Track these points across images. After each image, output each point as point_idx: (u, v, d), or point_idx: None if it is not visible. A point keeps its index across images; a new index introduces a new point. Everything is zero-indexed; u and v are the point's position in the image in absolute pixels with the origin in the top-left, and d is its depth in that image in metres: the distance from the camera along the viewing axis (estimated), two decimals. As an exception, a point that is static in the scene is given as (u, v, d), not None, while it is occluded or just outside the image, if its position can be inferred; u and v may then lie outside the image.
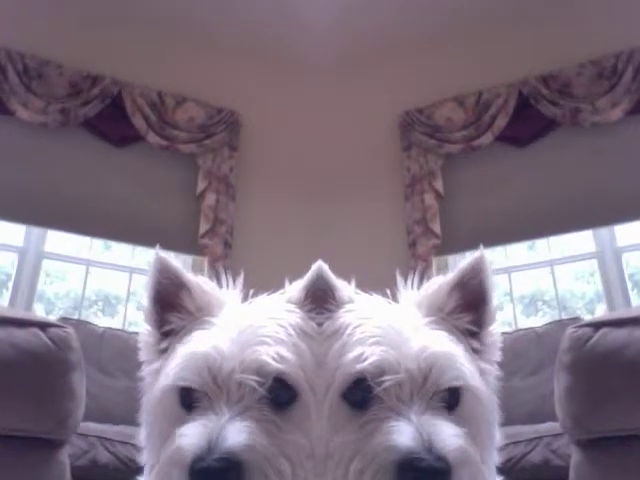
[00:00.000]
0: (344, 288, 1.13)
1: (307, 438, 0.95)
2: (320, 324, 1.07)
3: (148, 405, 1.05)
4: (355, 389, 0.95)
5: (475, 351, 1.08)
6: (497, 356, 1.12)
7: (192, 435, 0.88)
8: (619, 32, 4.60)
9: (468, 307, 1.09)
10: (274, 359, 0.94)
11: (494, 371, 1.11)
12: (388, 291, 1.16)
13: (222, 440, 0.85)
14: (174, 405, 0.97)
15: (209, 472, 0.83)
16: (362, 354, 0.95)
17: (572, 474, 1.89)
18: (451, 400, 0.95)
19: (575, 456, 1.88)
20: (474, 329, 1.09)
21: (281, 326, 1.01)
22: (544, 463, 2.73)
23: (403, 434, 0.86)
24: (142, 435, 1.08)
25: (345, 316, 1.06)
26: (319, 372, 1.01)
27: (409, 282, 1.14)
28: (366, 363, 0.93)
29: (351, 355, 0.96)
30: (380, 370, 0.93)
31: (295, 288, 1.12)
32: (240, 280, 1.16)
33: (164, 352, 1.08)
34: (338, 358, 0.99)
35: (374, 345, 0.96)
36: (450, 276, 1.11)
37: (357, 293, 1.14)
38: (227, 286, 1.15)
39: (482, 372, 1.06)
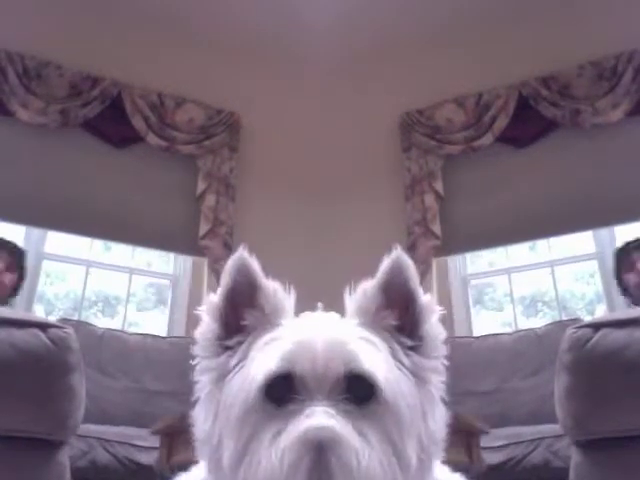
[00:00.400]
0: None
1: (385, 434, 0.96)
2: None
3: (219, 399, 1.04)
4: (272, 387, 0.96)
5: (411, 348, 1.07)
6: (440, 350, 1.11)
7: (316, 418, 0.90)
8: (619, 33, 4.60)
9: (398, 306, 1.09)
10: (365, 355, 0.97)
11: (435, 366, 1.09)
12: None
13: (318, 422, 0.88)
14: (261, 399, 0.97)
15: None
16: (270, 356, 0.98)
17: (572, 475, 1.89)
18: (363, 392, 0.96)
19: (575, 457, 1.88)
20: (405, 325, 1.09)
21: (354, 334, 1.03)
22: (544, 464, 2.74)
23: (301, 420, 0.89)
24: (203, 430, 1.06)
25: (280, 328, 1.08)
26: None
27: (432, 287, 1.16)
28: (272, 361, 0.97)
29: (263, 358, 1.00)
30: (284, 367, 0.96)
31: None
32: (293, 289, 1.14)
33: (228, 349, 1.08)
34: (255, 363, 1.01)
35: (281, 347, 0.99)
36: (374, 279, 1.11)
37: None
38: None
39: (418, 367, 1.06)
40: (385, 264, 1.12)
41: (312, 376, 0.95)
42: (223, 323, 1.10)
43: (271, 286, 1.11)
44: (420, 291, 1.11)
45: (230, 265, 1.13)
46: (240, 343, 1.07)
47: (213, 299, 1.12)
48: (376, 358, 1.00)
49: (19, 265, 3.92)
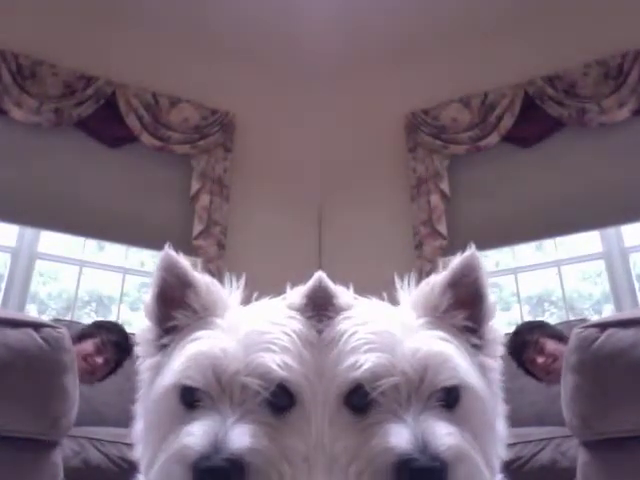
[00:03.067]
0: (342, 295, 1.13)
1: (304, 443, 0.97)
2: (320, 331, 1.08)
3: (147, 400, 1.05)
4: (355, 395, 0.96)
5: (475, 347, 1.07)
6: (499, 351, 1.12)
7: (197, 434, 0.88)
8: (625, 32, 4.57)
9: (464, 304, 1.09)
10: (279, 366, 0.95)
11: (497, 366, 1.11)
12: (385, 295, 1.16)
13: (228, 441, 0.86)
14: (176, 402, 0.98)
15: (214, 471, 0.84)
16: (356, 362, 0.95)
17: (579, 475, 1.88)
18: (449, 399, 0.95)
19: (582, 457, 1.87)
20: (472, 325, 1.09)
21: (286, 333, 1.02)
22: (552, 464, 2.69)
23: (398, 436, 0.87)
24: (137, 429, 1.08)
25: (341, 323, 1.06)
26: (319, 379, 1.02)
27: (406, 283, 1.15)
28: (360, 371, 0.94)
29: (346, 364, 0.97)
30: (375, 375, 0.93)
31: (296, 294, 1.13)
32: (242, 282, 1.16)
33: (164, 348, 1.08)
34: (334, 366, 1.00)
35: (368, 352, 0.96)
36: (443, 275, 1.11)
37: (356, 298, 1.15)
38: (229, 288, 1.16)
39: (483, 367, 1.06)
40: (457, 260, 1.11)
41: (210, 385, 0.94)
42: (159, 323, 1.11)
43: (202, 282, 1.12)
44: (489, 292, 1.11)
45: (158, 264, 1.13)
46: (172, 342, 1.07)
47: (146, 300, 1.12)
48: (455, 359, 0.99)
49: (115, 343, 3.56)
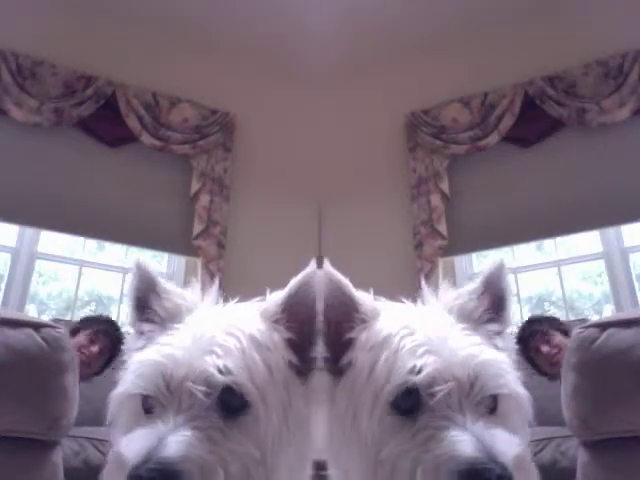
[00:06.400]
0: (366, 301, 1.13)
1: (257, 446, 0.96)
2: (288, 339, 1.08)
3: (111, 407, 1.06)
4: (405, 397, 0.96)
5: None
6: (514, 356, 1.14)
7: (134, 443, 0.89)
8: (625, 32, 4.57)
9: (491, 311, 1.13)
10: (220, 371, 0.96)
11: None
12: (402, 297, 1.18)
13: (161, 449, 0.86)
14: (135, 408, 0.99)
15: None
16: (415, 366, 0.96)
17: (579, 474, 1.89)
18: (491, 404, 0.98)
19: (582, 457, 1.88)
20: (498, 330, 1.13)
21: (233, 335, 1.02)
22: (552, 464, 2.69)
23: (465, 444, 0.88)
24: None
25: (386, 326, 1.06)
26: (274, 385, 1.03)
27: (438, 287, 1.18)
28: (421, 375, 0.95)
29: (405, 367, 0.97)
30: (434, 380, 0.95)
31: (273, 301, 1.13)
32: (215, 285, 1.19)
33: None
34: (388, 368, 0.99)
35: (425, 355, 0.97)
36: (477, 282, 1.15)
37: (377, 300, 1.15)
38: (203, 291, 1.18)
39: None
40: (488, 268, 1.16)
41: (159, 393, 0.95)
42: (137, 332, 1.14)
43: (163, 288, 1.15)
44: (512, 300, 1.16)
45: (131, 273, 1.17)
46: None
47: (126, 309, 1.15)
48: (505, 367, 1.02)
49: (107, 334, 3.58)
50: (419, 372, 0.94)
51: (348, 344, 1.07)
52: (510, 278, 1.17)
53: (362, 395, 1.00)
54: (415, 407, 0.95)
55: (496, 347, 1.07)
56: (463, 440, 0.88)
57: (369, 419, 0.97)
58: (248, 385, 0.97)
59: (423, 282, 1.18)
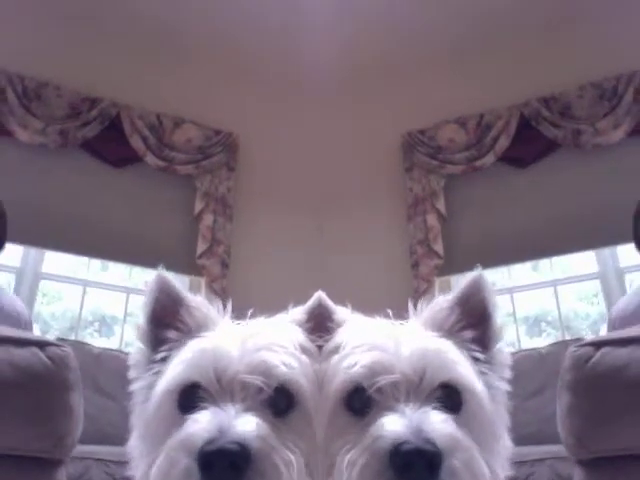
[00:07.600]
0: (340, 311, 1.17)
1: (306, 445, 0.97)
2: (320, 347, 1.10)
3: (144, 413, 1.06)
4: (355, 397, 0.97)
5: (484, 369, 1.09)
6: (507, 374, 1.14)
7: (203, 422, 0.89)
8: (619, 54, 4.62)
9: (472, 326, 1.12)
10: (283, 363, 0.97)
11: (504, 388, 1.12)
12: (389, 312, 1.18)
13: (234, 426, 0.86)
14: (172, 408, 0.98)
15: (220, 454, 0.83)
16: (355, 362, 0.98)
17: None
18: (453, 402, 0.96)
19: (577, 475, 1.88)
20: (477, 347, 1.10)
21: (283, 337, 1.04)
22: None
23: (393, 424, 0.88)
24: (133, 445, 1.09)
25: (342, 334, 1.09)
26: (319, 388, 1.04)
27: (417, 305, 1.18)
28: (357, 367, 0.96)
29: (345, 363, 0.99)
30: (373, 372, 0.95)
31: (298, 311, 1.17)
32: (229, 305, 1.19)
33: (156, 368, 1.09)
34: (335, 369, 1.02)
35: (366, 351, 0.99)
36: (451, 294, 1.14)
37: (354, 314, 1.18)
38: (221, 310, 1.18)
39: (490, 387, 1.07)
40: (465, 280, 1.15)
41: (211, 383, 0.96)
42: (151, 344, 1.13)
43: (194, 301, 1.15)
44: (497, 312, 1.14)
45: (151, 285, 1.16)
46: (164, 360, 1.08)
47: (139, 322, 1.14)
48: (455, 357, 1.01)
49: None
50: (356, 365, 0.96)
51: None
52: (492, 292, 1.15)
53: (323, 399, 1.02)
54: (366, 405, 0.95)
55: (473, 358, 1.07)
56: (394, 421, 0.88)
57: (328, 422, 0.99)
58: (303, 382, 0.99)
59: (410, 303, 1.17)
